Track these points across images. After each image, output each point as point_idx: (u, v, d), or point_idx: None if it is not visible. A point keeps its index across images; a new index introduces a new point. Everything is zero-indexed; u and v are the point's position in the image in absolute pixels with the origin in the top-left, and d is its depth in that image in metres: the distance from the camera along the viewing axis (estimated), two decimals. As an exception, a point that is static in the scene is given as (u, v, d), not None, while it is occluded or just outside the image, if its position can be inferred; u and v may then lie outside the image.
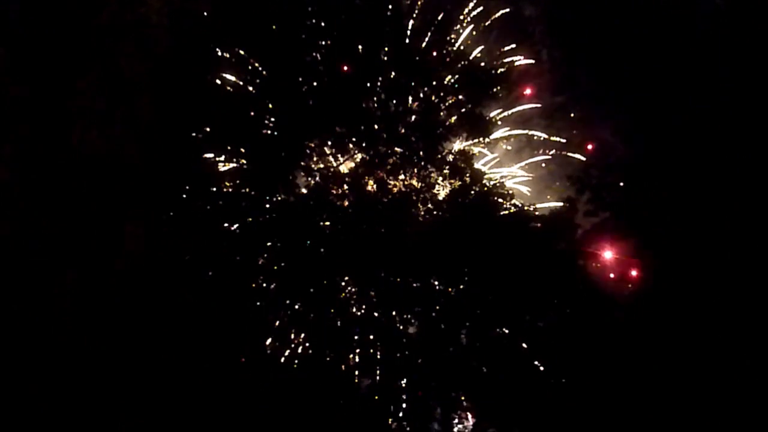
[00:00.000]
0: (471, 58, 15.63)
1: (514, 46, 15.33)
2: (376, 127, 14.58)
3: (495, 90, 15.17)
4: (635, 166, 13.04)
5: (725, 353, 11.46)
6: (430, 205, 14.27)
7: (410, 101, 15.03)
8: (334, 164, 14.86)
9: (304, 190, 14.34)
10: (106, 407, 11.60)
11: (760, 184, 11.97)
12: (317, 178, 14.41)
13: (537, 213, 14.18)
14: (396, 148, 14.45)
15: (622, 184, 13.08)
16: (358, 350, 13.77)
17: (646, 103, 13.03)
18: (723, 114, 12.31)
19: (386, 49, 14.87)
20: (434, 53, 15.38)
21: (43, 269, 11.49)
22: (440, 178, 14.43)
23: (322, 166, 14.80)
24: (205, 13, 13.57)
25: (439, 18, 15.59)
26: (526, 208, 14.18)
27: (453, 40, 15.68)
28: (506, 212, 13.92)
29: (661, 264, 12.48)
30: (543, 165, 15.61)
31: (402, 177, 14.36)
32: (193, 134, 13.40)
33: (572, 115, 14.89)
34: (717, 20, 13.01)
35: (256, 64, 14.55)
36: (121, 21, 12.68)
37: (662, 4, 13.51)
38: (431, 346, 13.64)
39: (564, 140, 15.26)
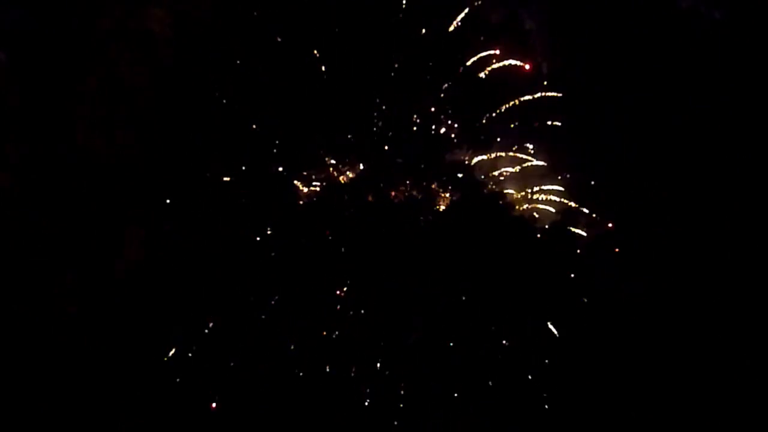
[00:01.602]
0: (472, 69, 15.58)
1: (516, 62, 15.27)
2: (377, 137, 14.63)
3: (496, 102, 15.14)
4: (635, 167, 13.02)
5: (725, 353, 11.44)
6: (430, 216, 14.32)
7: (412, 112, 15.05)
8: (335, 174, 14.91)
9: (302, 201, 14.40)
10: (106, 407, 11.67)
11: (760, 184, 11.98)
12: (318, 188, 14.46)
13: (538, 218, 14.18)
14: (398, 159, 14.51)
15: (622, 185, 13.08)
16: (360, 355, 13.80)
17: (646, 103, 13.05)
18: (723, 114, 12.34)
19: (388, 59, 14.91)
20: (436, 64, 15.39)
21: (43, 269, 11.60)
22: (441, 190, 14.48)
23: (323, 175, 14.84)
24: (208, 20, 13.69)
25: (440, 29, 15.57)
26: (526, 217, 14.17)
27: (456, 54, 15.66)
28: (507, 222, 13.94)
29: (661, 264, 12.47)
30: (544, 174, 15.55)
31: (403, 188, 14.41)
32: (195, 140, 13.46)
33: (573, 123, 14.82)
34: (716, 31, 13.06)
35: (259, 71, 14.62)
36: (124, 27, 12.80)
37: (662, 18, 13.56)
38: (433, 351, 13.63)
39: (564, 151, 15.16)
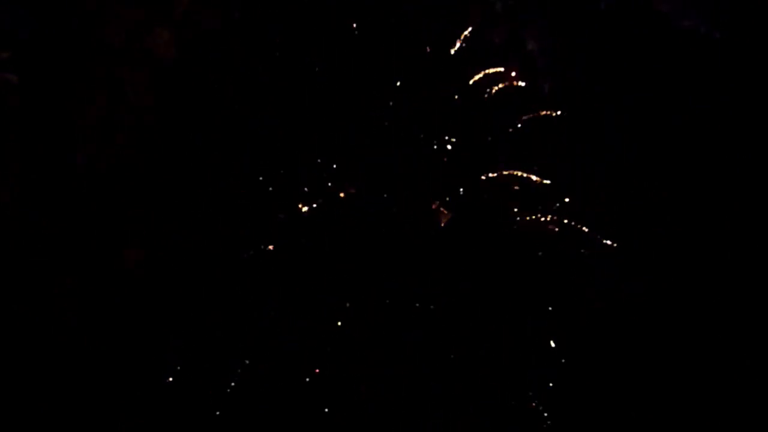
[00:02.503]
0: (475, 88, 15.59)
1: (518, 82, 15.29)
2: (378, 152, 14.68)
3: (499, 120, 15.18)
4: (635, 167, 13.09)
5: (726, 353, 11.47)
6: (431, 231, 14.37)
7: (414, 128, 15.09)
8: (335, 187, 14.94)
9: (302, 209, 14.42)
10: (106, 407, 11.69)
11: (760, 184, 12.03)
12: (317, 203, 14.49)
13: (540, 231, 14.19)
14: (399, 174, 14.56)
15: (623, 186, 13.14)
16: (359, 355, 13.81)
17: (646, 103, 13.14)
18: (723, 114, 12.41)
19: (390, 74, 14.95)
20: (439, 81, 15.43)
21: (43, 270, 11.62)
22: (442, 207, 14.52)
23: (322, 188, 14.88)
24: (210, 23, 13.73)
25: (443, 47, 15.59)
26: (528, 230, 14.18)
27: (459, 72, 15.68)
28: (508, 234, 13.99)
29: (661, 264, 12.49)
30: (543, 187, 15.60)
31: (403, 203, 14.47)
32: (195, 141, 13.51)
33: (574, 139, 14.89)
34: (716, 50, 13.17)
35: (259, 73, 14.66)
36: (125, 27, 12.85)
37: (663, 38, 13.66)
38: (433, 351, 13.64)
39: (566, 167, 15.21)
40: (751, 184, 12.16)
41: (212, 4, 13.30)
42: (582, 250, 13.56)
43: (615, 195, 13.16)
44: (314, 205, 14.09)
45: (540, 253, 13.31)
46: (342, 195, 15.07)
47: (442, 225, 14.70)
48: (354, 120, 14.85)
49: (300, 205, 14.40)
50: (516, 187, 15.29)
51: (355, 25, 14.79)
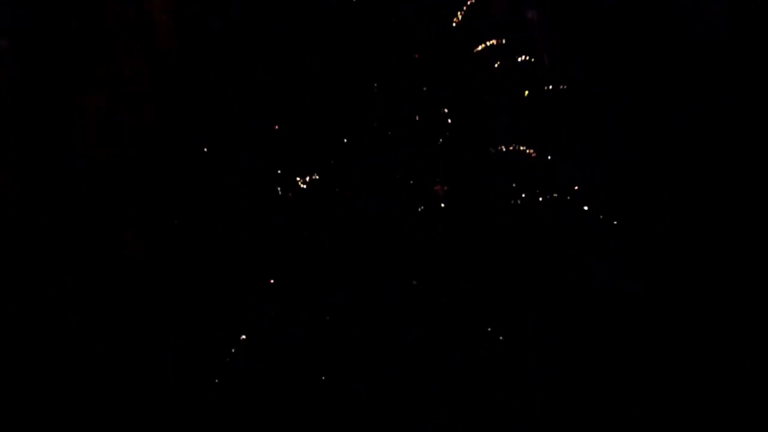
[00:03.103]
0: (474, 63, 15.55)
1: (517, 54, 15.20)
2: (376, 135, 14.63)
3: (497, 96, 15.12)
4: (635, 167, 13.09)
5: (726, 353, 11.48)
6: (430, 214, 14.31)
7: (412, 108, 15.02)
8: (335, 173, 14.89)
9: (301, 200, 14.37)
10: (106, 407, 11.69)
11: (760, 184, 12.04)
12: (317, 186, 14.46)
13: (538, 218, 14.16)
14: (398, 157, 14.51)
15: (622, 185, 13.14)
16: (359, 355, 13.80)
17: (646, 100, 13.13)
18: (723, 114, 12.41)
19: (388, 54, 14.89)
20: (436, 59, 15.37)
21: (43, 270, 11.64)
22: (442, 186, 14.47)
23: (322, 175, 14.84)
24: (210, 20, 13.72)
25: (442, 21, 15.52)
26: (526, 216, 14.15)
27: (458, 47, 15.63)
28: (507, 221, 13.94)
29: (661, 264, 12.50)
30: (545, 171, 15.56)
31: (404, 185, 14.42)
32: (195, 140, 13.51)
33: (575, 118, 14.84)
34: (718, 32, 13.15)
35: (262, 67, 14.64)
36: (125, 26, 12.84)
37: (664, 14, 13.63)
38: (433, 351, 13.63)
39: (565, 147, 15.18)
40: (752, 184, 12.17)
41: (212, 4, 13.30)
42: (582, 250, 13.59)
43: (615, 194, 13.18)
44: (314, 204, 14.13)
45: (539, 253, 13.36)
46: (342, 176, 14.94)
47: (440, 196, 14.58)
48: (351, 100, 14.72)
49: (300, 202, 14.39)
50: (516, 165, 15.29)
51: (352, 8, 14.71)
